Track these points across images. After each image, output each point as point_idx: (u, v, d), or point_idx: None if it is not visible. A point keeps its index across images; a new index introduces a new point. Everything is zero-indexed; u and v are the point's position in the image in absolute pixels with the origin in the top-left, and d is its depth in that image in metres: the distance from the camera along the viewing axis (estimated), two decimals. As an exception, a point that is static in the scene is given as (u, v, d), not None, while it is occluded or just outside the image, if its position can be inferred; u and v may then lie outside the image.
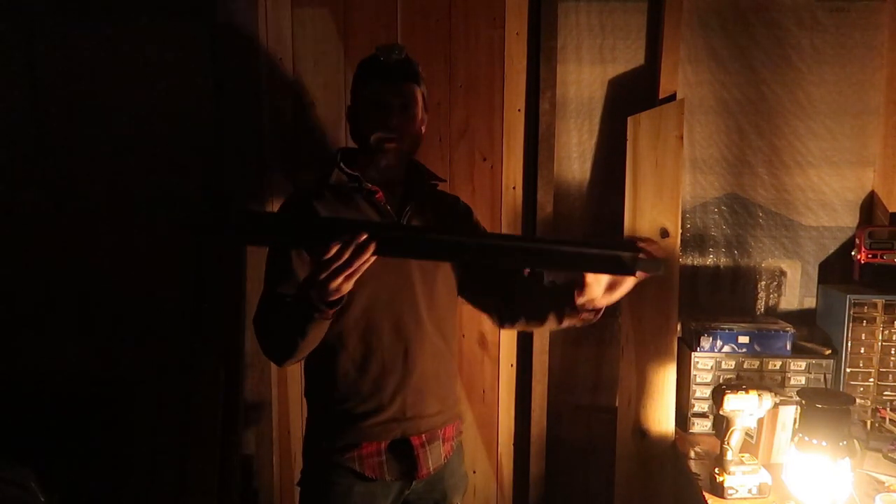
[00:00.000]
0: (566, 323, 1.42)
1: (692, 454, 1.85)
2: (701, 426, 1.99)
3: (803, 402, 1.61)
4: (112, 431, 2.03)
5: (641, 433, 2.02)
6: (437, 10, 2.01)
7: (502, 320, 1.56)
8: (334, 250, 1.13)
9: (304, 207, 1.42)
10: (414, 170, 1.56)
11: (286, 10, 2.00)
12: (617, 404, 2.09)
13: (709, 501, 1.62)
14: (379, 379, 1.43)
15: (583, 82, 2.10)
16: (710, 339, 1.95)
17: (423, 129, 1.52)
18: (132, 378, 2.02)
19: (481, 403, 2.16)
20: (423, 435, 1.48)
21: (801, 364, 1.93)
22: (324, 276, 1.15)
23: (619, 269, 1.26)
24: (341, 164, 1.45)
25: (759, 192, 2.12)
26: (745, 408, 1.62)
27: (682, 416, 2.01)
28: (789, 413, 1.76)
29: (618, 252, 1.25)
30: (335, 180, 1.45)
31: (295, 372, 2.10)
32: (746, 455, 1.68)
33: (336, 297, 1.18)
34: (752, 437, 1.77)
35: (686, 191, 2.11)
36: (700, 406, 1.98)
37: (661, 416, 2.01)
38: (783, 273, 2.15)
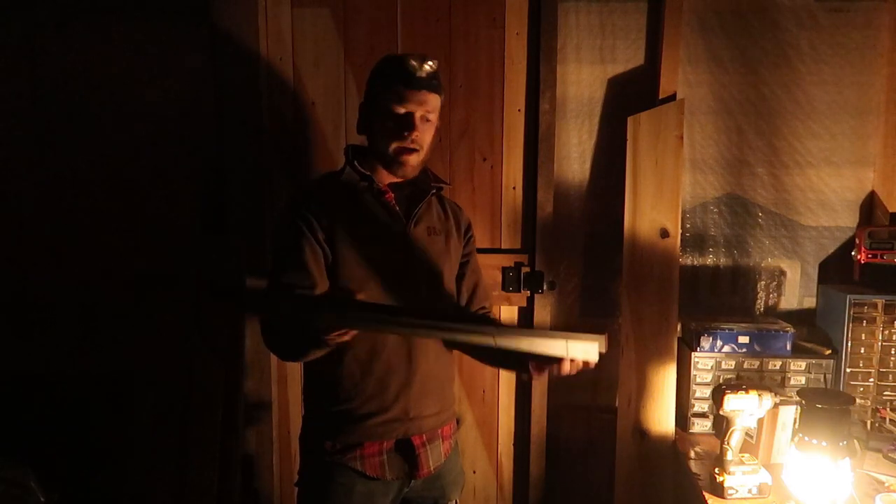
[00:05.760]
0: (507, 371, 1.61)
1: (692, 454, 1.85)
2: (701, 426, 1.99)
3: (803, 402, 1.61)
4: (112, 431, 2.03)
5: (641, 433, 2.03)
6: (437, 10, 2.01)
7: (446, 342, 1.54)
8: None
9: (306, 206, 1.42)
10: (421, 172, 1.56)
11: (286, 10, 2.00)
12: (617, 404, 2.09)
13: (709, 501, 1.62)
14: (383, 379, 1.44)
15: (583, 82, 2.10)
16: (710, 339, 1.95)
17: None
18: (132, 377, 2.02)
19: (481, 403, 2.16)
20: (424, 435, 1.49)
21: (801, 364, 1.93)
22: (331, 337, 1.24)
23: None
24: (354, 163, 1.45)
25: (758, 192, 2.12)
26: (745, 408, 1.62)
27: (682, 416, 2.01)
28: (789, 413, 1.76)
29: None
30: (346, 177, 1.46)
31: (295, 372, 2.10)
32: (746, 455, 1.68)
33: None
34: (752, 437, 1.77)
35: (686, 191, 2.11)
36: (700, 406, 1.98)
37: (661, 416, 2.01)
38: (783, 273, 2.15)
